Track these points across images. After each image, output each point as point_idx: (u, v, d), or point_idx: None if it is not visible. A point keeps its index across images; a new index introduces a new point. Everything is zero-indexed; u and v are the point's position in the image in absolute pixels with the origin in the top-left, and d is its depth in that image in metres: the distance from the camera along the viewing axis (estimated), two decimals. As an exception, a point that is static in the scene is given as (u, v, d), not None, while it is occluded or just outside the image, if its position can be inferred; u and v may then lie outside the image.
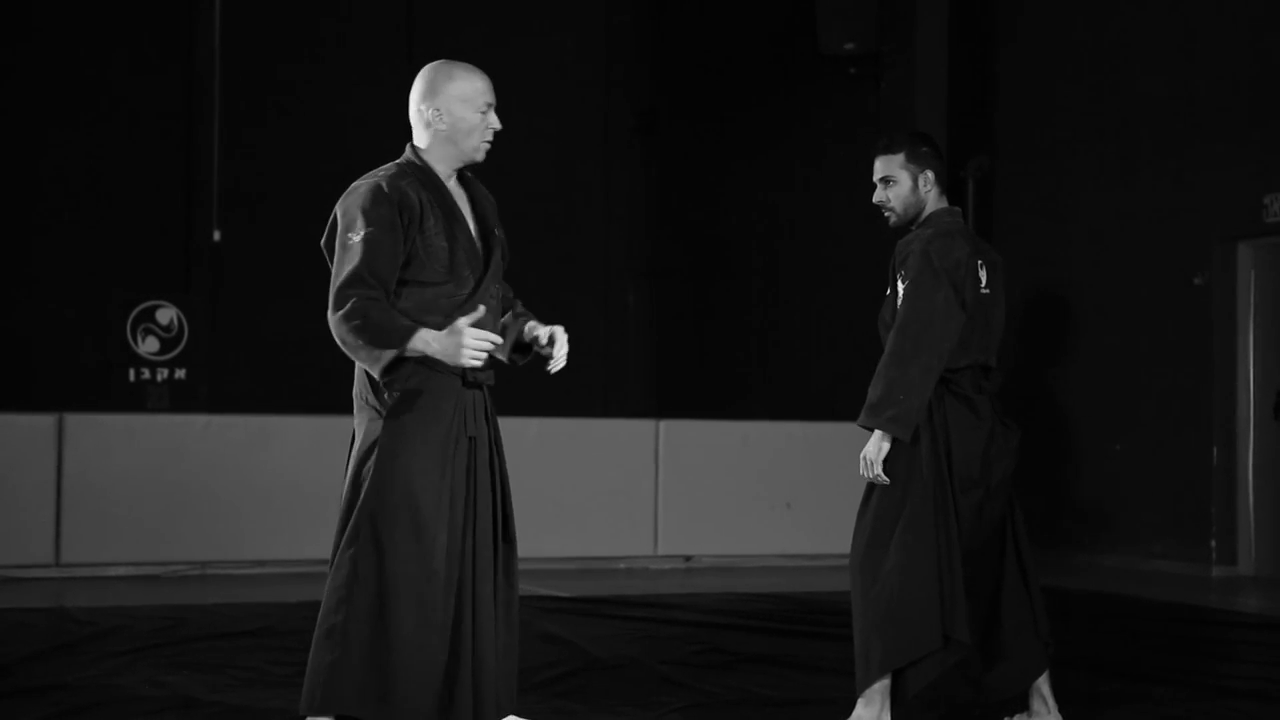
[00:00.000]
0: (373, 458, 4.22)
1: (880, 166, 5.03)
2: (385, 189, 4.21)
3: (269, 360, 13.79)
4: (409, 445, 4.21)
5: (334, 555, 4.26)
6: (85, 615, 7.37)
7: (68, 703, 5.21)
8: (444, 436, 4.25)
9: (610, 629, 7.22)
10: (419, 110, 4.33)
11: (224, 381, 13.02)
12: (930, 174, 5.00)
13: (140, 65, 13.68)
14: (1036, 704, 5.11)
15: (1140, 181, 11.07)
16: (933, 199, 5.01)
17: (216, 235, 13.60)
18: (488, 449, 4.40)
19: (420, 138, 4.35)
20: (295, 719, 5.01)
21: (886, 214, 5.05)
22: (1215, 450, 10.44)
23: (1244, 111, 10.33)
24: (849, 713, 4.90)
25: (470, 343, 4.08)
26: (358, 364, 4.31)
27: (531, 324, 4.54)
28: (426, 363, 4.21)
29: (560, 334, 4.47)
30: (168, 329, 11.42)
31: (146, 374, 11.28)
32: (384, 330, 4.11)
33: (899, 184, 4.99)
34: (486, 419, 4.41)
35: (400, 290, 4.23)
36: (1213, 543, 10.40)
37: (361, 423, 4.31)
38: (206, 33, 13.65)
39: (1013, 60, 12.30)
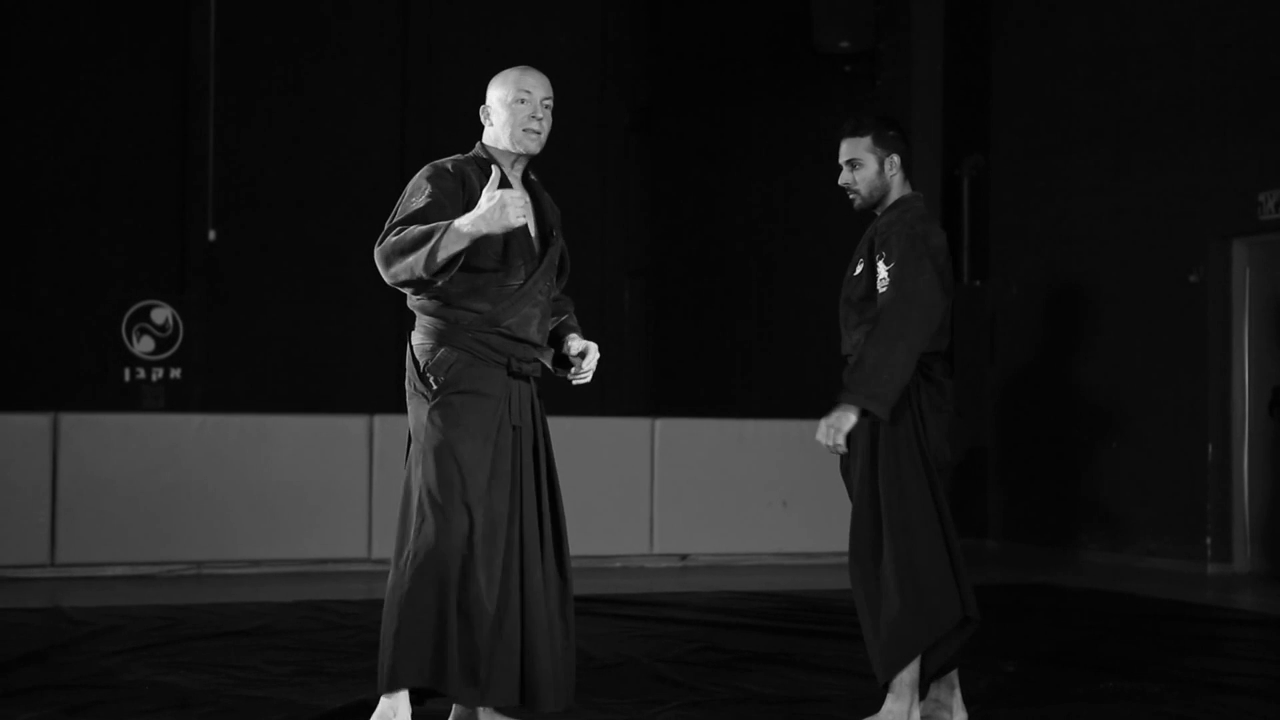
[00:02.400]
0: (422, 439, 4.38)
1: (846, 149, 5.05)
2: (450, 167, 4.45)
3: (264, 360, 13.79)
4: (455, 425, 4.33)
5: (399, 535, 4.40)
6: (81, 615, 7.36)
7: (64, 702, 5.20)
8: (489, 421, 4.38)
9: (606, 627, 7.22)
10: (481, 111, 4.60)
11: (219, 381, 13.03)
12: (896, 158, 5.02)
13: (135, 65, 13.68)
14: (942, 692, 5.06)
15: (1135, 179, 11.08)
16: (897, 183, 5.03)
17: (211, 235, 13.60)
18: (533, 441, 4.50)
19: (485, 135, 4.60)
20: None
21: (851, 196, 5.08)
22: (1210, 447, 10.44)
23: (1239, 108, 10.34)
24: (846, 711, 4.90)
25: (507, 197, 4.14)
26: (407, 353, 4.45)
27: (571, 336, 4.69)
28: (471, 351, 4.37)
29: (593, 350, 4.65)
30: (163, 329, 11.43)
31: (142, 374, 11.29)
32: (425, 231, 4.21)
33: (865, 167, 5.02)
34: (533, 412, 4.52)
35: (454, 273, 4.31)
36: (1208, 540, 10.41)
37: (412, 410, 4.46)
38: (201, 32, 13.65)
39: (1008, 58, 12.31)
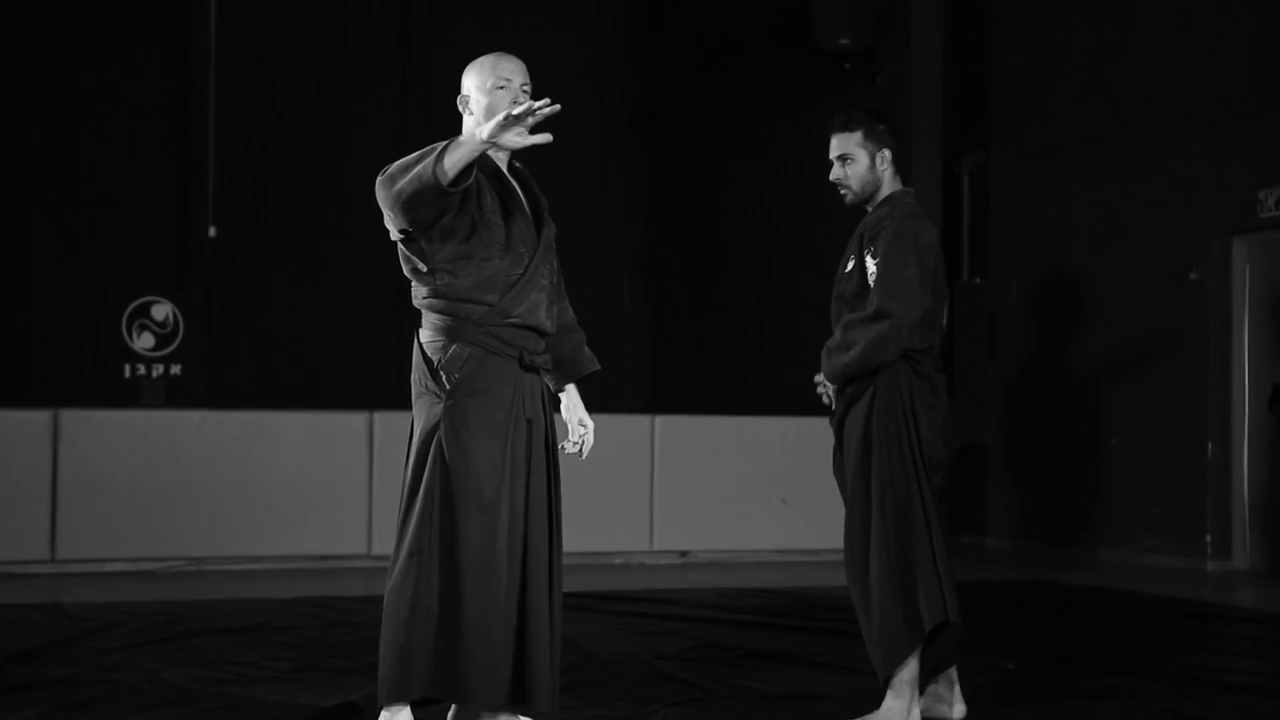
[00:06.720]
0: (435, 441, 4.26)
1: (837, 144, 5.03)
2: None
3: (265, 356, 13.78)
4: (471, 427, 4.24)
5: (399, 540, 4.28)
6: (81, 611, 7.36)
7: (64, 699, 5.20)
8: (504, 418, 4.28)
9: (606, 624, 7.22)
10: (459, 100, 4.43)
11: (220, 377, 13.02)
12: (888, 152, 5.01)
13: (136, 62, 13.66)
14: (941, 687, 5.07)
15: (1135, 176, 11.08)
16: (888, 178, 5.02)
17: (212, 231, 13.58)
18: (544, 435, 4.43)
19: (465, 125, 4.41)
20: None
21: (843, 192, 5.07)
22: (1210, 445, 10.45)
23: (1238, 105, 10.34)
24: (845, 708, 4.90)
25: (506, 111, 4.03)
26: (415, 351, 4.35)
27: (570, 404, 4.68)
28: (484, 346, 4.27)
29: (590, 436, 4.65)
30: (163, 325, 11.40)
31: (142, 370, 11.26)
32: (429, 147, 4.07)
33: (856, 162, 5.01)
34: (543, 404, 4.44)
35: (461, 266, 4.26)
36: (1208, 537, 10.41)
37: (421, 409, 4.33)
38: (202, 29, 13.64)
39: (1008, 56, 12.30)
